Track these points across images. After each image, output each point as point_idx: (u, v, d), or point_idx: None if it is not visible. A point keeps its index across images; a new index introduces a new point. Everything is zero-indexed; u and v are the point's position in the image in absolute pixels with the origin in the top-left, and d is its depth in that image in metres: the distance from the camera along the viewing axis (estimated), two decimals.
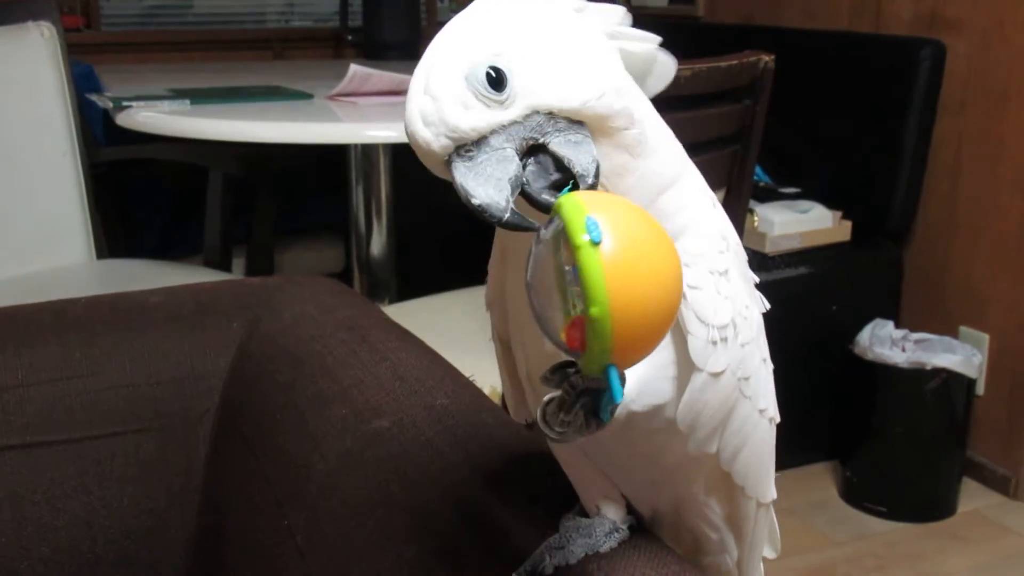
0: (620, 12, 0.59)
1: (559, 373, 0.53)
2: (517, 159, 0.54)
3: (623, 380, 0.50)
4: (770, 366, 0.66)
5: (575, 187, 0.53)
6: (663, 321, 0.49)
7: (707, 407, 0.59)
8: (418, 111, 0.54)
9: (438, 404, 0.87)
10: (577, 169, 0.54)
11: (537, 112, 0.54)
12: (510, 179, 0.53)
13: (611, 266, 0.47)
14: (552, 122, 0.55)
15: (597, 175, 0.54)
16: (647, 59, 0.60)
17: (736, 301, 0.60)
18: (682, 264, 0.57)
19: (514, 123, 0.54)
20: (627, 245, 0.48)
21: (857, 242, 2.72)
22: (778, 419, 0.67)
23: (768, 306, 0.66)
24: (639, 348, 0.50)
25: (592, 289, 0.47)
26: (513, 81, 0.54)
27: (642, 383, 0.58)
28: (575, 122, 0.55)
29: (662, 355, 0.59)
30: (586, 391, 0.51)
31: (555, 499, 0.71)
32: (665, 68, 0.61)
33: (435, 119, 0.53)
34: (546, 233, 0.51)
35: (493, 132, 0.54)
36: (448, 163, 0.54)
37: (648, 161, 0.58)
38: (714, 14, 3.52)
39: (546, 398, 0.52)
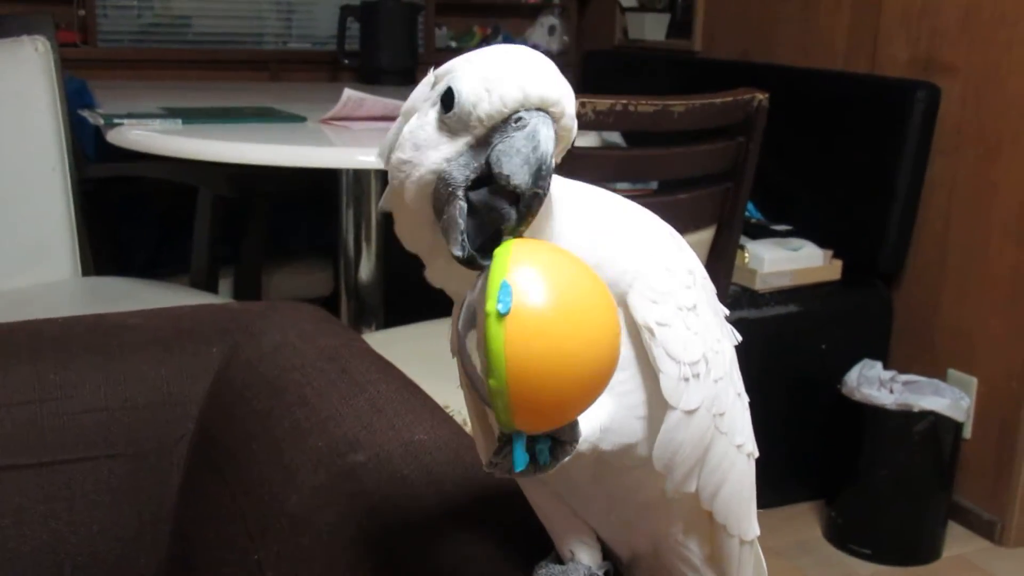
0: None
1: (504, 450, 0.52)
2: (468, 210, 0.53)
3: (551, 438, 0.50)
4: (745, 400, 0.65)
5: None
6: (583, 389, 0.47)
7: (683, 446, 0.58)
8: (504, 79, 0.53)
9: (416, 439, 0.86)
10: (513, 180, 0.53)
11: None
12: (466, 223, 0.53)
13: (513, 341, 0.44)
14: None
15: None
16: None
17: (707, 336, 0.59)
18: (650, 301, 0.57)
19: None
20: (539, 316, 0.45)
21: (847, 282, 2.72)
22: (756, 454, 0.66)
23: (739, 338, 0.65)
24: (550, 417, 0.47)
25: (491, 361, 0.44)
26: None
27: (611, 421, 0.57)
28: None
29: (633, 396, 0.58)
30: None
31: (531, 544, 0.69)
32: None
33: (507, 98, 0.53)
34: (477, 284, 0.49)
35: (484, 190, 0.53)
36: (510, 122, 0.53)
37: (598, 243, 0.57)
38: (711, 49, 3.54)
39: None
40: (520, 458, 0.47)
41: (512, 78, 0.54)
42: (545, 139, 0.52)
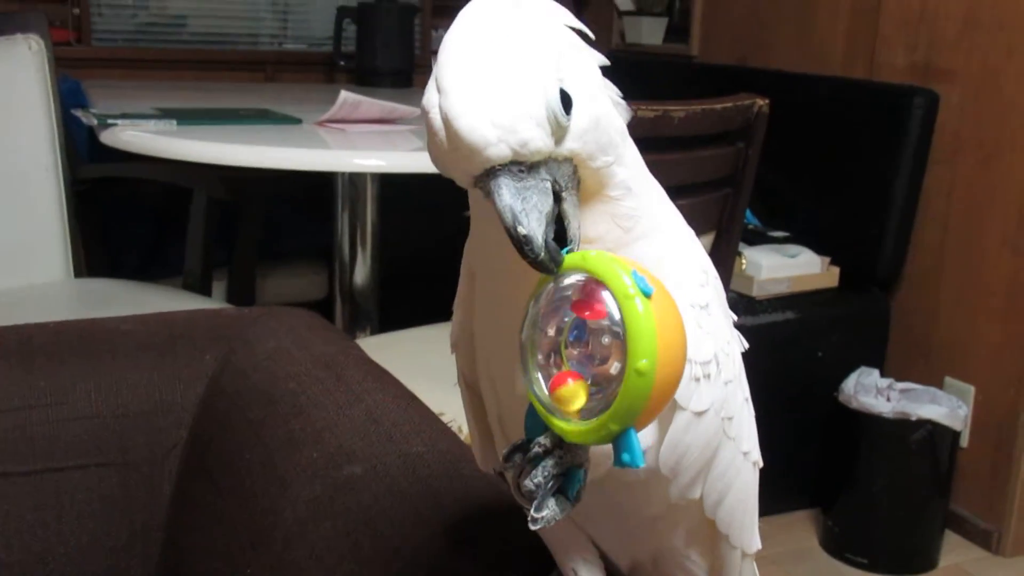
0: (600, 56, 0.56)
1: (516, 455, 0.50)
2: (552, 197, 0.50)
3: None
4: (752, 407, 0.63)
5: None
6: (679, 381, 0.49)
7: (690, 449, 0.56)
8: (487, 107, 0.48)
9: (414, 452, 0.84)
10: (571, 233, 0.51)
11: (570, 160, 0.51)
12: (547, 214, 0.49)
13: (660, 320, 0.46)
14: (572, 177, 0.51)
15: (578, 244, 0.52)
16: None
17: (718, 337, 0.58)
18: None
19: (558, 160, 0.50)
20: (667, 301, 0.47)
21: (845, 289, 2.71)
22: (761, 463, 0.64)
23: (747, 345, 0.63)
24: (662, 405, 0.48)
25: (642, 342, 0.45)
26: (574, 112, 0.50)
27: None
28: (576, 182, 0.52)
29: None
30: (555, 477, 0.50)
31: (531, 561, 0.67)
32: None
33: (507, 123, 0.48)
34: (549, 291, 0.49)
35: (545, 161, 0.50)
36: (488, 175, 0.49)
37: (634, 231, 0.55)
38: (708, 54, 3.52)
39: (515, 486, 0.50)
40: (638, 453, 0.48)
41: (463, 128, 0.48)
42: (519, 214, 0.48)
